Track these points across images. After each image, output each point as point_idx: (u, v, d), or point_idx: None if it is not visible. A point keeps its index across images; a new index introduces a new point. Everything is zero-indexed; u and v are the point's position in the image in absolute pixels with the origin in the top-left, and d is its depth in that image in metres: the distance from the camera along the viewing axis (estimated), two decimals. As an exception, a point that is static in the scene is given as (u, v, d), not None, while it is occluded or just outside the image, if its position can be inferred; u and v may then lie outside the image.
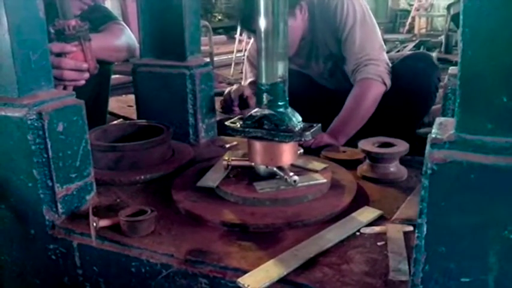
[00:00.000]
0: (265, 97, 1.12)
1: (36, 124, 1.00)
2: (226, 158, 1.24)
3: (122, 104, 2.30)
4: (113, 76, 2.53)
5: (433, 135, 0.67)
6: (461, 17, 0.62)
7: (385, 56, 1.76)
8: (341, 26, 1.75)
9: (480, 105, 0.63)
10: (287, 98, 1.14)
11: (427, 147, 0.67)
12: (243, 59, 5.51)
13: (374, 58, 1.69)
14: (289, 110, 1.14)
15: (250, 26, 1.77)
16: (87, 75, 1.38)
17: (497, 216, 0.64)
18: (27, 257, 1.13)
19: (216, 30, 8.69)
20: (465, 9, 0.61)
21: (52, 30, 1.29)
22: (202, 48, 1.90)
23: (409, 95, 1.76)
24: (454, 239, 0.67)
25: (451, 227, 0.66)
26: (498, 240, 0.65)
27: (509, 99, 0.61)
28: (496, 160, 0.62)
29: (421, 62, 1.83)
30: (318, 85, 2.05)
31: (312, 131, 1.12)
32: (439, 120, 0.72)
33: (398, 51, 6.74)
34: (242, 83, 2.23)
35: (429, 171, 0.65)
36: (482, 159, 0.63)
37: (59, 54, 1.31)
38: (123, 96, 2.58)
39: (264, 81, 1.11)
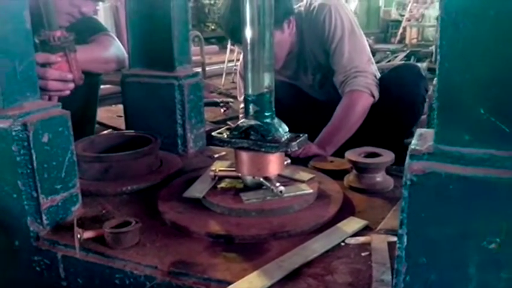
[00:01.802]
0: (251, 108, 1.13)
1: (21, 135, 1.00)
2: (214, 169, 1.24)
3: (112, 114, 2.29)
4: (103, 86, 2.54)
5: (413, 147, 0.67)
6: (438, 29, 0.63)
7: (373, 69, 1.77)
8: (329, 38, 1.76)
9: (458, 117, 0.64)
10: (273, 109, 1.14)
11: (407, 158, 0.67)
12: (235, 69, 5.54)
13: (362, 70, 1.71)
14: (276, 120, 1.14)
15: (237, 37, 1.79)
16: (72, 85, 1.38)
17: (476, 227, 0.64)
18: (11, 268, 1.11)
19: (208, 40, 8.73)
20: (442, 22, 0.62)
21: (37, 41, 1.29)
22: (194, 58, 1.92)
23: (397, 106, 1.77)
24: (434, 249, 0.67)
25: (431, 238, 0.67)
26: (477, 251, 0.65)
27: (486, 111, 0.62)
28: (474, 171, 0.63)
29: (408, 73, 1.84)
30: (307, 96, 2.06)
31: (298, 141, 1.12)
32: (419, 131, 0.73)
33: (389, 61, 6.79)
34: (238, 98, 2.25)
35: (408, 182, 0.65)
36: (460, 170, 0.63)
37: (44, 65, 1.31)
38: (113, 106, 2.58)
39: (250, 92, 1.12)
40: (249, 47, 1.08)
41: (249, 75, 1.10)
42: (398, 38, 10.10)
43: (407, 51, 7.65)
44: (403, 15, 10.60)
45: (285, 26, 1.75)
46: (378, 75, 1.81)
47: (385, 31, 11.18)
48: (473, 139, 0.64)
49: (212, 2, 9.63)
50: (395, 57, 7.27)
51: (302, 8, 1.87)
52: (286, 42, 1.80)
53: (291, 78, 2.01)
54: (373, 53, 7.23)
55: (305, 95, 2.05)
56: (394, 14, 11.45)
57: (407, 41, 9.66)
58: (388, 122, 1.79)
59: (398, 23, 10.76)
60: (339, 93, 1.78)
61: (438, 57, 0.63)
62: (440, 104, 0.64)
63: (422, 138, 0.70)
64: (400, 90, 1.75)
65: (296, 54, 1.90)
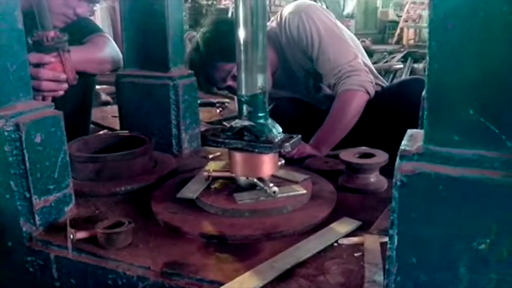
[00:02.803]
0: (245, 108, 1.13)
1: (13, 135, 1.00)
2: (207, 169, 1.24)
3: (106, 115, 2.29)
4: (100, 86, 2.54)
5: (402, 147, 0.67)
6: (428, 30, 0.63)
7: (362, 63, 1.74)
8: (309, 46, 1.73)
9: (447, 118, 0.64)
10: (267, 109, 1.14)
11: (397, 159, 0.68)
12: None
13: (353, 69, 1.68)
14: (270, 121, 1.14)
15: (206, 85, 1.83)
16: (65, 86, 1.38)
17: (465, 227, 0.64)
18: (4, 269, 1.11)
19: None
20: (431, 23, 0.62)
21: (30, 41, 1.29)
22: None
23: (402, 119, 1.71)
24: (425, 250, 0.67)
25: (421, 238, 0.67)
26: (467, 252, 0.65)
27: (476, 111, 0.62)
28: (464, 172, 0.63)
29: (415, 88, 1.77)
30: (309, 105, 2.03)
31: (291, 142, 1.12)
32: (410, 132, 0.73)
33: (386, 62, 6.80)
34: None
35: (398, 183, 0.66)
36: (450, 171, 0.64)
37: (37, 65, 1.31)
38: (108, 106, 2.57)
39: (243, 92, 1.12)
40: (242, 48, 1.08)
41: (242, 76, 1.10)
42: (395, 38, 10.11)
43: (405, 52, 7.66)
44: (401, 16, 10.61)
45: None
46: (369, 66, 1.78)
47: (382, 32, 11.19)
48: (462, 140, 0.64)
49: (209, 2, 9.62)
50: (393, 58, 7.28)
51: (274, 24, 1.84)
52: None
53: (289, 93, 2.00)
54: (371, 53, 7.24)
55: (307, 104, 2.02)
56: (392, 15, 11.46)
57: (404, 41, 9.67)
58: (395, 134, 1.75)
59: (395, 23, 10.77)
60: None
61: (427, 57, 0.63)
62: (429, 104, 0.64)
63: (412, 139, 0.70)
64: (408, 105, 1.69)
65: (283, 70, 1.88)
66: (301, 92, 1.99)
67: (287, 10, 1.81)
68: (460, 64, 0.62)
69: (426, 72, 0.64)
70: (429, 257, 0.67)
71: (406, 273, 0.69)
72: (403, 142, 0.69)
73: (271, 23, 1.86)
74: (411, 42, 9.62)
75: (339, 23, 1.82)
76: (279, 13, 1.86)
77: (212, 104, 3.18)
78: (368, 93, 1.68)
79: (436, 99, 0.64)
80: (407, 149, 0.67)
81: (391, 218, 0.68)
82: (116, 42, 1.83)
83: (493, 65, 0.61)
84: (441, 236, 0.66)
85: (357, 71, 1.68)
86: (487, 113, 0.62)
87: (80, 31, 1.70)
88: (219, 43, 1.72)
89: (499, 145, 0.62)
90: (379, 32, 11.27)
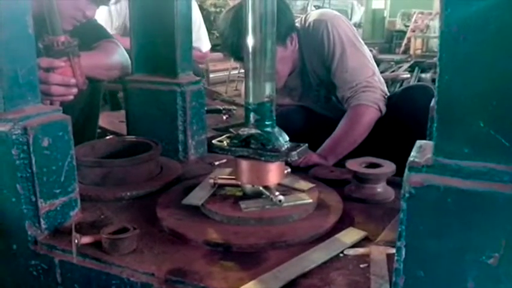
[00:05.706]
0: (252, 116, 1.13)
1: (21, 139, 1.00)
2: (213, 176, 1.24)
3: (114, 119, 2.30)
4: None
5: (411, 159, 0.67)
6: (438, 41, 0.63)
7: (378, 81, 1.73)
8: (329, 55, 1.73)
9: (457, 130, 0.63)
10: (274, 118, 1.14)
11: (406, 170, 0.67)
12: (238, 76, 5.51)
13: (369, 85, 1.68)
14: (276, 129, 1.14)
15: (236, 53, 1.80)
16: (75, 90, 1.38)
17: (474, 241, 0.64)
18: (8, 272, 1.11)
19: (213, 47, 8.71)
20: (442, 34, 0.62)
21: (41, 46, 1.29)
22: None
23: (409, 126, 1.69)
24: (432, 263, 0.67)
25: (429, 251, 0.66)
26: (476, 266, 0.65)
27: (486, 124, 0.62)
28: (473, 185, 0.62)
29: (421, 95, 1.76)
30: (317, 114, 2.02)
31: (298, 150, 1.12)
32: (418, 143, 0.73)
33: (393, 71, 6.79)
34: None
35: (407, 195, 0.65)
36: (459, 183, 0.63)
37: (47, 69, 1.31)
38: (116, 111, 2.58)
39: (251, 100, 1.12)
40: (250, 56, 1.08)
41: (250, 83, 1.10)
42: (402, 48, 10.09)
43: (412, 62, 7.64)
44: (408, 26, 10.61)
45: (288, 42, 1.73)
46: (384, 87, 1.79)
47: (389, 41, 11.18)
48: (472, 152, 0.63)
49: (218, 10, 9.67)
50: (400, 67, 7.27)
51: (298, 25, 1.83)
52: (289, 59, 1.77)
53: (297, 98, 1.99)
54: (378, 63, 7.22)
55: (314, 113, 2.01)
56: (399, 25, 11.46)
57: (411, 51, 9.65)
58: (399, 141, 1.74)
59: (403, 33, 10.76)
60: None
61: (438, 69, 0.62)
62: (439, 116, 0.64)
63: (421, 151, 0.69)
64: (413, 112, 1.68)
65: (299, 72, 1.88)
66: (311, 99, 1.98)
67: (313, 16, 1.81)
68: (471, 76, 0.61)
69: (436, 84, 0.63)
70: (437, 270, 0.66)
71: (414, 286, 0.68)
72: (412, 153, 0.69)
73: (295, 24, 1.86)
74: (418, 52, 9.60)
75: (360, 38, 1.81)
76: (303, 17, 1.86)
77: (219, 111, 3.18)
78: (380, 111, 1.68)
79: (446, 111, 0.63)
80: (417, 161, 0.66)
81: (399, 230, 0.68)
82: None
83: (504, 77, 0.60)
84: (450, 249, 0.65)
85: (373, 87, 1.68)
86: (497, 126, 0.61)
87: (90, 37, 1.70)
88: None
89: (510, 158, 0.62)
90: (386, 42, 11.26)
